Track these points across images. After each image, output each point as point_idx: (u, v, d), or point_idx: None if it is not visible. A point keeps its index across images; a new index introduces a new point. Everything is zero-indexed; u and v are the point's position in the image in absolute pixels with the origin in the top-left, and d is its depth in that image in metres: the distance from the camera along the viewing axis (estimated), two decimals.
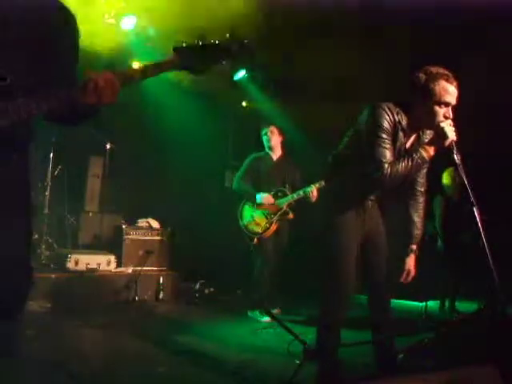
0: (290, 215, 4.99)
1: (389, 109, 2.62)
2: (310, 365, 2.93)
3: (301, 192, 4.79)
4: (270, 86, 7.13)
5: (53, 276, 4.88)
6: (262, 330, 4.35)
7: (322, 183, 4.62)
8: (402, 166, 2.54)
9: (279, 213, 4.91)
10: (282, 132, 5.22)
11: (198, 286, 5.98)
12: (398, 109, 2.64)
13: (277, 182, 5.04)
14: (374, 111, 2.62)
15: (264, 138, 5.19)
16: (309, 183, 4.78)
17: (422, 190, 3.00)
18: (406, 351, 3.33)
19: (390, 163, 2.54)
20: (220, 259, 6.26)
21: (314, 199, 4.74)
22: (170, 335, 4.05)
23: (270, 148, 5.16)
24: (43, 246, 5.45)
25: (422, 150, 2.56)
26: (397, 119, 2.62)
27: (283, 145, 5.24)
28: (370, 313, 3.02)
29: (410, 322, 4.66)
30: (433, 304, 5.15)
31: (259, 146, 5.36)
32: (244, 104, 7.84)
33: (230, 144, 7.58)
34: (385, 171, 2.53)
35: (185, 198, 6.73)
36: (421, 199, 3.00)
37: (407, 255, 2.96)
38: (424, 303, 4.77)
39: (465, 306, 5.00)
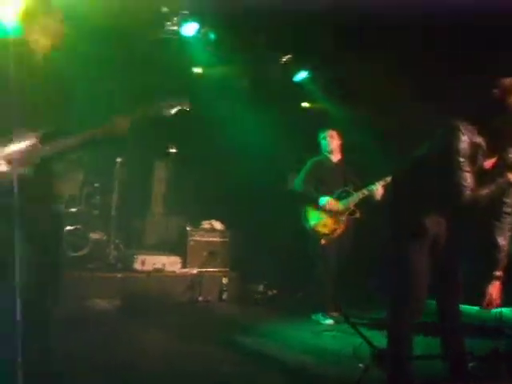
0: (358, 214, 4.92)
1: (467, 130, 2.53)
2: (377, 370, 2.86)
3: (365, 190, 4.75)
4: (332, 88, 7.05)
5: (120, 275, 5.06)
6: (324, 333, 4.30)
7: (387, 180, 4.55)
8: (484, 191, 2.51)
9: (347, 212, 4.86)
10: (340, 136, 5.20)
11: (260, 288, 5.98)
12: (475, 128, 2.55)
13: (339, 184, 5.00)
14: (452, 133, 2.54)
15: (323, 142, 5.19)
16: (369, 182, 4.75)
17: (509, 210, 2.79)
18: (478, 359, 3.17)
19: (471, 188, 2.48)
20: (282, 261, 6.23)
21: (378, 197, 4.69)
22: (233, 336, 4.08)
23: (330, 151, 5.15)
24: (111, 247, 5.65)
25: (510, 176, 2.51)
26: (476, 141, 2.54)
27: (342, 148, 5.21)
28: (440, 319, 2.90)
29: (483, 329, 4.42)
30: (508, 311, 4.85)
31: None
32: (306, 105, 7.79)
33: (293, 146, 7.54)
34: (466, 196, 2.48)
35: (248, 199, 6.77)
36: (507, 220, 2.79)
37: (489, 282, 2.75)
38: (498, 309, 4.51)
39: None
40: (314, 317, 4.85)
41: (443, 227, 2.83)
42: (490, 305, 2.76)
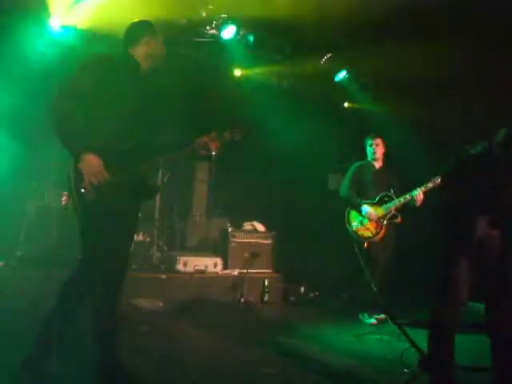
0: (399, 219, 4.97)
1: None
2: (424, 375, 2.80)
3: (407, 195, 4.78)
4: (371, 87, 6.96)
5: (163, 276, 5.14)
6: (368, 336, 4.23)
7: (429, 185, 4.57)
8: None
9: (388, 216, 4.89)
10: (385, 144, 5.24)
11: (302, 289, 5.95)
12: None
13: (381, 189, 5.04)
14: None
15: (368, 149, 5.24)
16: (411, 188, 4.75)
17: None
18: None
19: None
20: (324, 262, 6.18)
21: (419, 202, 4.71)
22: (275, 337, 4.06)
23: (374, 159, 5.21)
24: (154, 248, 5.76)
25: None
26: None
27: (385, 156, 5.25)
28: (489, 328, 2.80)
29: None
30: None
31: (363, 148, 5.31)
32: (346, 105, 7.71)
33: (334, 146, 7.47)
34: None
35: (289, 200, 6.75)
36: None
37: None
38: None
39: None
40: (360, 315, 4.88)
41: (493, 234, 2.74)
42: None
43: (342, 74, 6.90)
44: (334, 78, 6.94)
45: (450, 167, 2.94)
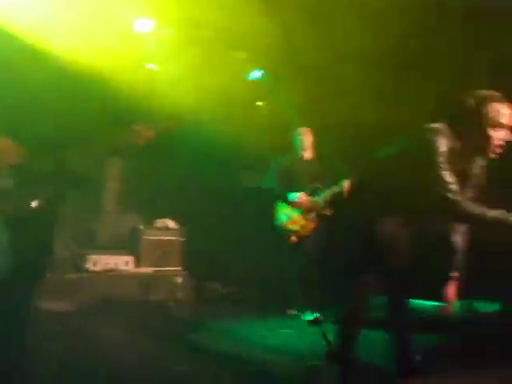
0: (327, 211, 4.96)
1: (445, 134, 2.55)
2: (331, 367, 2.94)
3: (335, 187, 4.79)
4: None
5: (73, 276, 4.95)
6: (281, 330, 4.33)
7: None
8: (491, 213, 2.44)
9: (316, 209, 4.89)
10: (312, 134, 5.26)
11: (215, 286, 5.99)
12: (450, 133, 2.58)
13: (310, 182, 5.03)
14: (433, 137, 2.55)
15: (297, 140, 5.23)
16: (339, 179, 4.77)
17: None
18: (424, 353, 3.29)
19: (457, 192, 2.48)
20: (238, 259, 6.26)
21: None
22: (188, 335, 4.07)
23: (303, 149, 5.20)
24: (62, 246, 5.50)
25: None
26: (453, 145, 2.55)
27: (313, 146, 5.27)
28: (387, 314, 2.99)
29: (428, 322, 4.60)
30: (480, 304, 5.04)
31: (286, 146, 5.39)
32: (259, 103, 7.80)
33: (247, 143, 7.55)
34: (455, 196, 2.46)
35: (201, 197, 6.73)
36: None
37: (447, 283, 2.84)
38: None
39: (484, 307, 4.91)
40: (291, 311, 4.87)
41: (403, 232, 2.84)
42: (448, 304, 2.88)
43: (257, 73, 6.97)
44: (248, 77, 6.99)
45: (364, 165, 3.05)
